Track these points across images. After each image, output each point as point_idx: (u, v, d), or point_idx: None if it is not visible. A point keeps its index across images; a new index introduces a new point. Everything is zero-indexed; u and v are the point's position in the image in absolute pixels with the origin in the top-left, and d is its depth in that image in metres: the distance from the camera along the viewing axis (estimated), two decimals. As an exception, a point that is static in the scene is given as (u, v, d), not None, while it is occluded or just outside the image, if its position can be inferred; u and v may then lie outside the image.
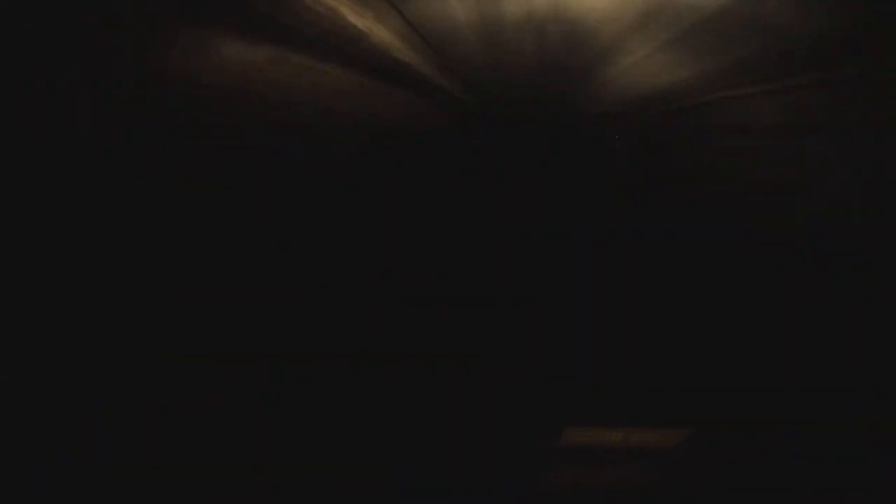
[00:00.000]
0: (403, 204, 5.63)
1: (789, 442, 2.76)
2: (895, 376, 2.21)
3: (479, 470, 2.56)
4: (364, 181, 4.53)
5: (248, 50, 2.19)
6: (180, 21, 1.80)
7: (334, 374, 3.16)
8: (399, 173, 5.48)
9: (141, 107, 1.82)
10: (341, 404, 2.93)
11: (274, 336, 3.12)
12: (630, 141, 7.33)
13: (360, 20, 2.30)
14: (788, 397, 2.92)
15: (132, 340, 2.03)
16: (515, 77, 4.02)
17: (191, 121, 2.09)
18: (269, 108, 2.72)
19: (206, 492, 2.24)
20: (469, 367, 3.48)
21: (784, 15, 1.81)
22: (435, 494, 2.45)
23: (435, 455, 2.63)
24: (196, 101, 2.09)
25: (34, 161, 1.47)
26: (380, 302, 4.24)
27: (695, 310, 4.31)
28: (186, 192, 2.18)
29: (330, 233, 3.93)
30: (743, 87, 3.29)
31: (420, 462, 2.58)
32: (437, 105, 5.56)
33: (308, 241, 3.63)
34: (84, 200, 1.67)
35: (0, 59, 1.34)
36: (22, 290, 1.53)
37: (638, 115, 5.86)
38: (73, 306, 1.72)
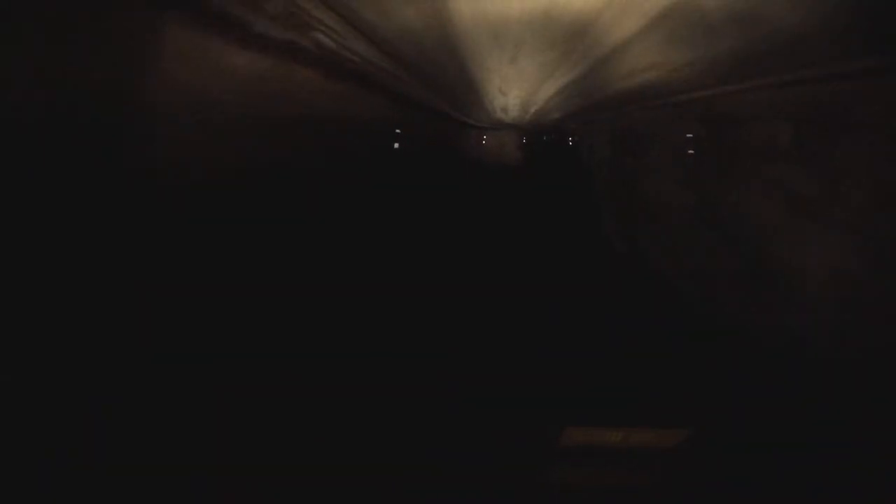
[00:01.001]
0: (390, 201, 5.63)
1: (789, 442, 2.75)
2: (895, 376, 2.21)
3: (479, 470, 2.56)
4: (345, 178, 4.52)
5: (230, 56, 2.20)
6: (173, 30, 1.81)
7: (331, 373, 3.16)
8: (380, 171, 5.48)
9: (134, 108, 1.83)
10: (339, 404, 2.93)
11: (268, 337, 3.12)
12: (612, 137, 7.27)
13: (322, 25, 2.30)
14: (788, 397, 2.92)
15: (131, 341, 2.04)
16: (484, 76, 3.98)
17: (180, 123, 2.10)
18: (255, 110, 2.72)
19: (205, 492, 2.24)
20: (468, 367, 3.48)
21: (778, 7, 1.81)
22: (434, 494, 2.45)
23: (434, 455, 2.63)
24: (190, 105, 2.10)
25: (35, 162, 1.48)
26: (377, 300, 4.24)
27: (695, 309, 4.30)
28: (180, 191, 2.19)
29: (319, 231, 3.93)
30: (735, 82, 3.27)
31: (419, 462, 2.58)
32: (408, 108, 5.54)
33: (297, 240, 3.63)
34: (82, 200, 1.68)
35: (0, 59, 1.34)
36: (20, 290, 1.53)
37: (619, 111, 5.83)
38: (69, 307, 1.72)
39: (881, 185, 2.42)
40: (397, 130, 5.59)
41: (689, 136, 4.63)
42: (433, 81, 3.92)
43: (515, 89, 4.56)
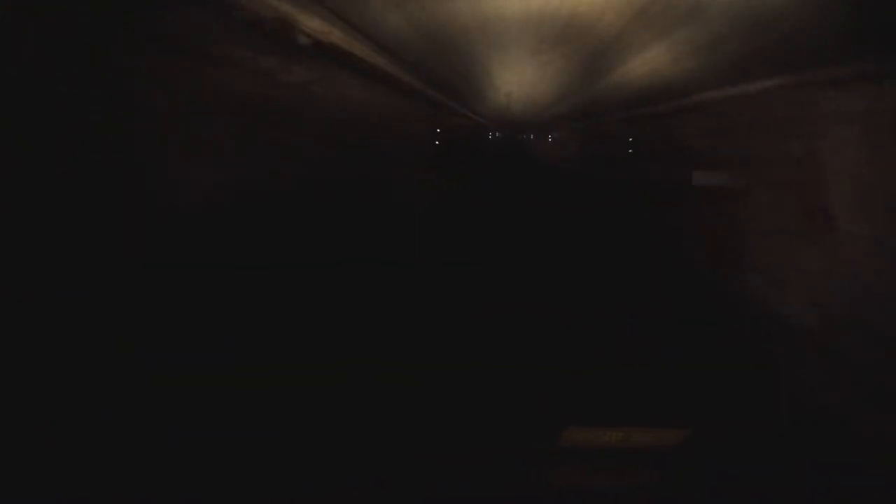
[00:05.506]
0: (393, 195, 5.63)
1: (790, 442, 2.75)
2: (894, 370, 2.21)
3: (478, 470, 2.56)
4: (352, 174, 4.52)
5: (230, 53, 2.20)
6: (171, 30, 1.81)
7: (329, 373, 3.16)
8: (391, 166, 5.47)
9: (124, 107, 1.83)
10: (337, 403, 2.93)
11: (261, 339, 3.12)
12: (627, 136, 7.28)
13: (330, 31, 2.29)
14: (789, 397, 2.92)
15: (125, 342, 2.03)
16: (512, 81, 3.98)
17: (186, 126, 2.10)
18: (260, 109, 2.72)
19: (204, 492, 2.24)
20: (467, 366, 3.47)
21: (795, 8, 1.80)
22: (433, 495, 2.45)
23: (432, 454, 2.63)
24: (201, 107, 2.09)
25: (32, 154, 1.48)
26: (375, 297, 4.24)
27: (696, 309, 4.31)
28: (174, 188, 2.19)
29: (321, 231, 3.93)
30: (753, 82, 3.26)
31: (417, 463, 2.58)
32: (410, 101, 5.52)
33: (295, 238, 3.63)
34: (74, 192, 1.67)
35: (3, 58, 1.34)
36: (19, 286, 1.53)
37: (636, 112, 5.83)
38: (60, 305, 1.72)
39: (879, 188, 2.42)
40: (397, 126, 5.60)
41: (697, 139, 4.63)
42: (436, 79, 3.91)
43: (516, 89, 4.56)
